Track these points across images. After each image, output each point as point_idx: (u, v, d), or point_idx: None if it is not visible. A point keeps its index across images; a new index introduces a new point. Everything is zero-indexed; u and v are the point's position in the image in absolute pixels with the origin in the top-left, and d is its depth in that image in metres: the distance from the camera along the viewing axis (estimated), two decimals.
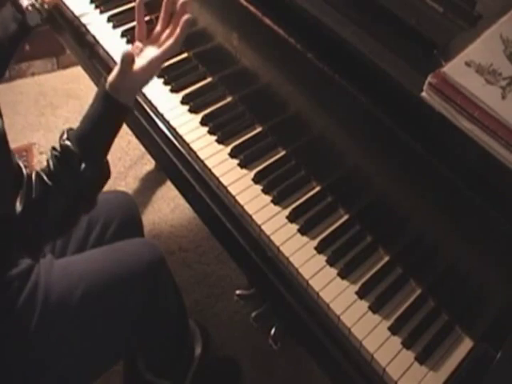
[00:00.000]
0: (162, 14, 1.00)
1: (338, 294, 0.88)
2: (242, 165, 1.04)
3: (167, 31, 0.99)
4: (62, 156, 0.88)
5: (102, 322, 1.02)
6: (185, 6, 0.96)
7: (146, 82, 0.96)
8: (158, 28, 1.00)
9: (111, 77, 0.92)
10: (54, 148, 0.89)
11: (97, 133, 0.92)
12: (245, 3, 0.99)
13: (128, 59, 0.91)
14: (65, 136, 0.90)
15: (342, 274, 0.91)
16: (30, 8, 1.14)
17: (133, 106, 0.97)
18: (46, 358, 0.95)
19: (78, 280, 0.99)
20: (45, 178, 0.86)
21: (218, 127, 1.09)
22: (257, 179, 1.02)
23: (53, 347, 0.95)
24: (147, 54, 0.96)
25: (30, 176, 0.85)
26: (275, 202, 0.99)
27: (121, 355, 1.17)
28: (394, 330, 0.85)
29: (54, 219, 0.89)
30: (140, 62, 0.93)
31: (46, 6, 1.21)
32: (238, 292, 1.36)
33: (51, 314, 0.95)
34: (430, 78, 0.75)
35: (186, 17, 0.95)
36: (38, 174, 0.86)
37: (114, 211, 1.21)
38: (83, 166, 0.88)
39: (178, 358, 1.31)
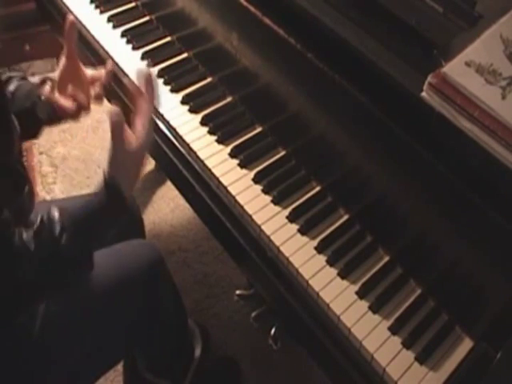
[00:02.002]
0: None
1: (338, 294, 0.88)
2: (242, 165, 1.04)
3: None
4: (45, 224, 0.81)
5: (103, 323, 1.02)
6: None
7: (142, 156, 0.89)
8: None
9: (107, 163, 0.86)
10: (44, 214, 0.82)
11: (88, 215, 0.85)
12: (245, 3, 0.99)
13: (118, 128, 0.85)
14: (55, 209, 0.83)
15: (342, 274, 0.91)
16: (43, 97, 0.99)
17: (129, 194, 0.89)
18: (48, 360, 0.95)
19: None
20: (24, 237, 0.79)
21: (218, 127, 1.09)
22: (257, 179, 1.02)
23: (53, 349, 0.96)
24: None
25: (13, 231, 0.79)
26: (275, 202, 0.99)
27: (121, 356, 1.17)
28: (394, 329, 0.85)
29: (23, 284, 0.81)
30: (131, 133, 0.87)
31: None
32: (237, 292, 1.37)
33: (53, 317, 0.95)
34: (429, 78, 0.75)
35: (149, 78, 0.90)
36: (19, 232, 0.79)
37: None
38: (63, 240, 0.80)
39: (178, 357, 1.31)
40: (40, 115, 0.99)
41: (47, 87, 1.00)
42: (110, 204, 0.85)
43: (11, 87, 0.98)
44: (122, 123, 0.85)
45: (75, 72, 1.01)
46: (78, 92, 1.01)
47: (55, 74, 1.01)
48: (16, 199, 0.87)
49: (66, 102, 1.00)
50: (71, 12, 1.34)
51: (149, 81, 0.90)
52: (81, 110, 1.01)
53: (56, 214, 0.82)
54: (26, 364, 0.93)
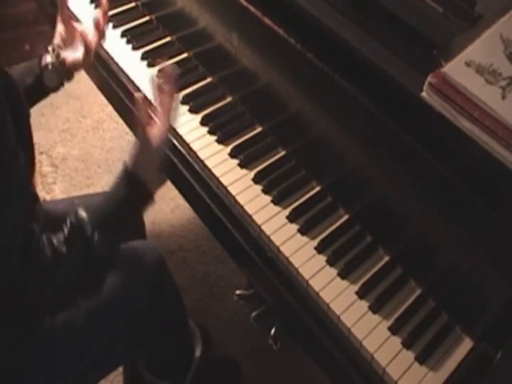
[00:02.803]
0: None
1: (338, 294, 0.88)
2: (242, 165, 1.04)
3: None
4: (76, 226, 0.83)
5: (106, 325, 1.02)
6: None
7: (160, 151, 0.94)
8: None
9: (131, 157, 0.90)
10: (71, 216, 0.84)
11: (114, 210, 0.88)
12: (245, 3, 0.99)
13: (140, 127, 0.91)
14: (81, 209, 0.85)
15: (342, 274, 0.91)
16: (50, 67, 1.04)
17: (155, 189, 0.92)
18: (53, 362, 0.96)
19: None
20: (55, 243, 0.81)
21: (218, 127, 1.09)
22: (257, 179, 1.02)
23: (59, 352, 0.96)
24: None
25: (39, 239, 0.80)
26: (275, 201, 0.99)
27: (124, 357, 1.17)
28: (394, 329, 0.85)
29: (58, 287, 0.83)
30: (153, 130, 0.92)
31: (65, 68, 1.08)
32: (237, 292, 1.36)
33: (58, 319, 0.95)
34: (430, 78, 0.75)
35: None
36: (48, 238, 0.81)
37: None
38: (96, 239, 0.82)
39: (178, 358, 1.31)
40: (49, 84, 1.05)
41: (49, 55, 1.06)
42: (135, 195, 0.88)
43: None
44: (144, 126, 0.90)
45: (73, 32, 1.08)
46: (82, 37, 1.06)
47: (55, 41, 1.08)
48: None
49: (73, 54, 1.07)
50: (71, 12, 1.34)
51: (170, 75, 0.93)
52: (90, 51, 1.07)
53: (83, 214, 0.83)
54: (32, 365, 0.94)
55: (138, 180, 0.88)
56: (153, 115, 0.93)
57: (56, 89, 1.07)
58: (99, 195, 0.99)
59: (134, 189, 0.88)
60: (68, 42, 1.07)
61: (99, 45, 1.09)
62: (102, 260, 0.85)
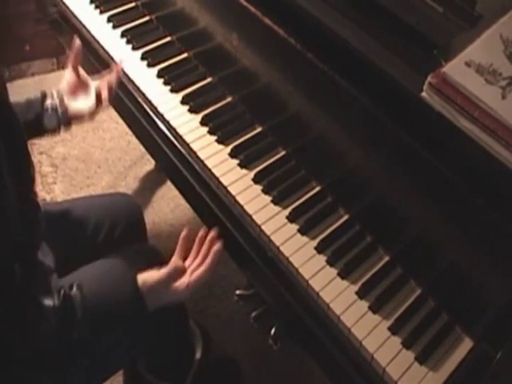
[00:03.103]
0: (194, 247, 1.01)
1: (338, 294, 0.88)
2: (242, 165, 1.04)
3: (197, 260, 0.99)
4: (68, 306, 0.85)
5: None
6: (214, 240, 0.98)
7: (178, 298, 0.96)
8: (189, 260, 1.00)
9: (149, 277, 0.92)
10: (66, 288, 0.86)
11: (108, 309, 0.90)
12: (245, 3, 0.99)
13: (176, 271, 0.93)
14: (76, 290, 0.87)
15: (342, 274, 0.91)
16: (50, 109, 1.05)
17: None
18: (54, 363, 0.95)
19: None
20: (45, 305, 0.82)
21: (218, 127, 1.09)
22: (257, 179, 1.02)
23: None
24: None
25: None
26: (275, 201, 0.99)
27: (126, 360, 1.17)
28: (394, 329, 0.85)
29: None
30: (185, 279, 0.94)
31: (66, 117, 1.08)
32: (237, 292, 1.36)
33: None
34: (430, 78, 0.75)
35: (216, 247, 0.97)
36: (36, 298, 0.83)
37: (119, 214, 1.21)
38: (82, 324, 0.85)
39: (179, 359, 1.30)
40: (47, 125, 1.05)
41: (54, 98, 1.06)
42: (132, 309, 0.91)
43: None
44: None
45: (81, 82, 1.11)
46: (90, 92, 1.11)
47: (61, 87, 1.09)
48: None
49: (78, 104, 1.09)
50: (71, 12, 1.34)
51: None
52: (94, 112, 1.11)
53: (78, 295, 0.85)
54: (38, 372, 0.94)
55: (143, 302, 0.91)
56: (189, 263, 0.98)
57: (53, 132, 1.08)
58: (98, 264, 1.01)
59: (135, 306, 0.91)
60: (75, 90, 1.09)
61: (107, 106, 1.12)
62: (81, 339, 0.87)
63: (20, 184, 0.82)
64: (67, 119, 1.07)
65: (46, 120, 1.05)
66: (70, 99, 1.08)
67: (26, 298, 0.82)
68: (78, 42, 1.11)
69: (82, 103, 1.09)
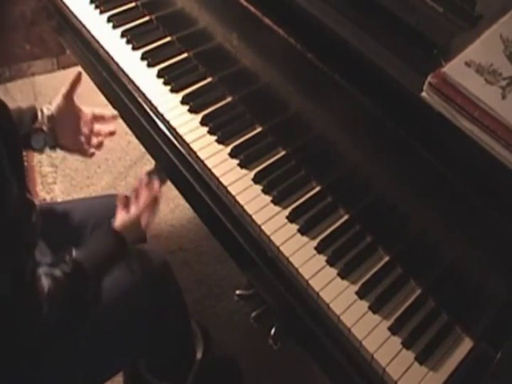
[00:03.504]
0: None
1: (338, 294, 0.88)
2: (242, 165, 1.04)
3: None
4: (73, 273, 0.89)
5: (111, 331, 1.02)
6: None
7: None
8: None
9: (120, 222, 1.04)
10: (62, 261, 0.90)
11: (103, 260, 0.98)
12: (245, 3, 0.99)
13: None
14: (75, 255, 0.93)
15: (342, 274, 0.91)
16: (38, 131, 1.07)
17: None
18: (60, 368, 0.96)
19: None
20: (50, 286, 0.85)
21: (218, 127, 1.09)
22: (257, 179, 1.02)
23: (63, 357, 0.96)
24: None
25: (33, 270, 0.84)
26: (275, 201, 0.99)
27: (127, 360, 1.18)
28: (394, 329, 0.85)
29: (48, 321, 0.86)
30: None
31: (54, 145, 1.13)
32: (237, 292, 1.36)
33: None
34: (430, 78, 0.75)
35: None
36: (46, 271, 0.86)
37: None
38: (90, 286, 0.92)
39: (180, 359, 1.30)
40: (34, 145, 1.08)
41: (44, 119, 1.09)
42: (119, 252, 1.01)
43: None
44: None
45: (72, 112, 1.15)
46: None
47: (53, 108, 1.11)
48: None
49: (65, 141, 1.13)
50: (71, 12, 1.34)
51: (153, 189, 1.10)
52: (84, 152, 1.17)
53: (80, 253, 0.93)
54: (39, 372, 0.94)
55: (123, 239, 1.02)
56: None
57: (39, 151, 1.10)
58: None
59: (119, 244, 1.01)
60: (64, 118, 1.12)
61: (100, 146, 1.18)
62: (92, 297, 0.93)
63: (16, 182, 0.82)
64: (54, 144, 1.10)
65: (34, 141, 1.08)
66: (59, 124, 1.10)
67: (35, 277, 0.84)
68: (79, 75, 1.15)
69: (71, 137, 1.13)
